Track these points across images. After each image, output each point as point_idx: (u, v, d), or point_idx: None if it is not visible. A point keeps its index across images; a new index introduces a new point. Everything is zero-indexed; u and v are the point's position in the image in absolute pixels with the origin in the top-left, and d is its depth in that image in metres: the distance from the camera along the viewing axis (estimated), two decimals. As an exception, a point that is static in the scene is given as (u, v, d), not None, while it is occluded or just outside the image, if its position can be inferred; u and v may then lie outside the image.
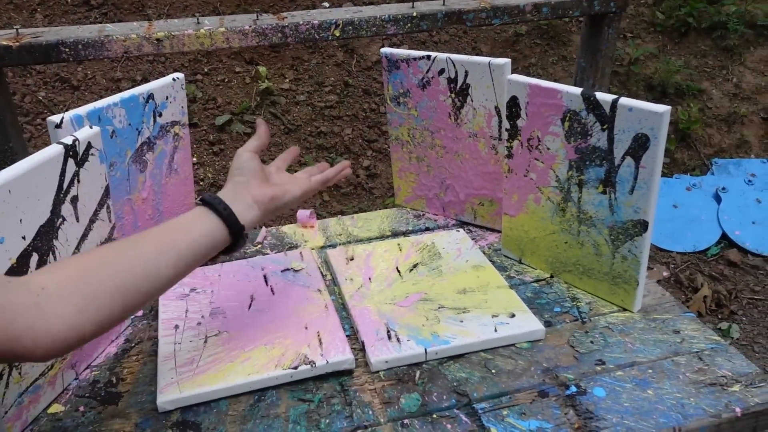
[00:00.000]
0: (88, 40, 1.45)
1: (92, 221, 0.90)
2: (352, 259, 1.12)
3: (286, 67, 3.40)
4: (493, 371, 0.89)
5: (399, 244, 1.16)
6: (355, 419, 0.82)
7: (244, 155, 0.88)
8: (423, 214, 1.31)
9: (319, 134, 3.18)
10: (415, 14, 1.59)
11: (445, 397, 0.86)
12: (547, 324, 0.99)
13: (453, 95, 1.16)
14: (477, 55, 3.70)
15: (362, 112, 3.29)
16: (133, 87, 3.39)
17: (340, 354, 0.89)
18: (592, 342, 0.95)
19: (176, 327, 0.97)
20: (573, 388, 0.86)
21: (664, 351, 0.92)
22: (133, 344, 0.98)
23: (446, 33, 3.62)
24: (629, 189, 0.93)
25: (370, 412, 0.83)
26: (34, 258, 0.80)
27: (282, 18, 1.55)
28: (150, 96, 1.05)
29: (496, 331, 0.94)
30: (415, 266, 1.10)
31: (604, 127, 0.93)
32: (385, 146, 3.13)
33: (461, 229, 1.22)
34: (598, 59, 1.83)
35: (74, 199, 0.85)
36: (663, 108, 0.86)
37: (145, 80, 3.24)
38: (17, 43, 1.45)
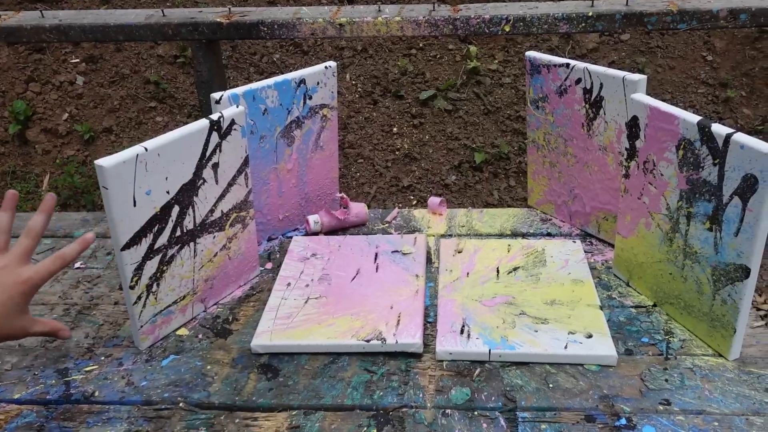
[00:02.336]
0: (283, 21, 1.65)
1: (230, 185, 1.07)
2: (460, 252, 1.18)
3: (498, 48, 3.42)
4: (551, 385, 0.91)
5: (509, 245, 1.19)
6: (405, 398, 0.91)
7: None
8: (550, 219, 1.32)
9: (518, 118, 3.18)
10: (590, 14, 1.57)
11: (493, 398, 0.90)
12: (628, 352, 0.97)
13: (587, 106, 1.15)
14: (708, 50, 3.38)
15: (566, 100, 3.21)
16: (353, 56, 3.64)
17: (410, 337, 0.98)
18: (666, 380, 0.91)
19: (288, 284, 1.12)
20: (623, 421, 0.85)
21: (743, 407, 0.86)
22: (255, 292, 1.16)
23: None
24: (735, 231, 0.87)
25: (421, 395, 0.91)
26: (176, 209, 0.99)
27: (456, 10, 1.62)
28: (302, 81, 1.19)
29: (566, 347, 0.95)
30: (515, 269, 1.13)
31: (716, 161, 0.87)
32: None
33: (578, 240, 1.21)
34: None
35: (215, 165, 1.03)
36: (776, 150, 0.79)
37: (365, 50, 3.48)
38: (227, 21, 1.71)
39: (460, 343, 0.97)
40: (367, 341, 0.98)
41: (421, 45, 3.51)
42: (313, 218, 1.29)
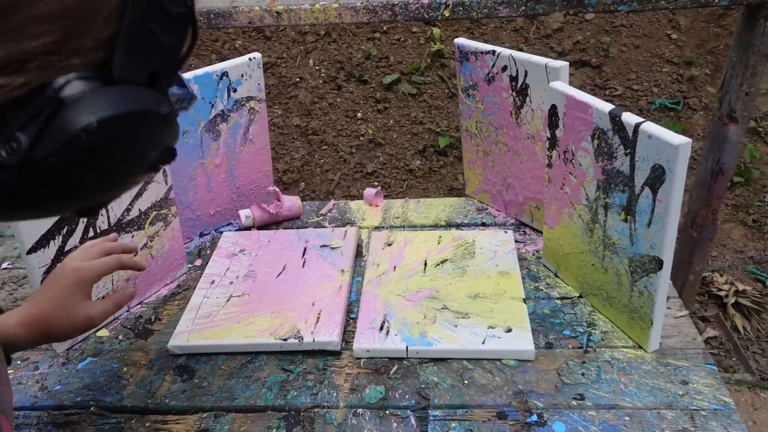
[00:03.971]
0: (219, 11, 1.60)
1: (146, 183, 1.05)
2: (390, 245, 1.17)
3: (462, 30, 3.38)
4: (466, 382, 0.90)
5: (440, 237, 1.18)
6: (319, 398, 0.89)
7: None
8: (486, 209, 1.30)
9: (482, 101, 3.15)
10: (530, -3, 1.54)
11: (407, 396, 0.89)
12: (548, 345, 0.96)
13: (514, 94, 1.12)
14: (673, 28, 3.37)
15: (530, 82, 3.19)
16: (316, 41, 3.58)
17: (327, 335, 0.96)
18: (583, 374, 0.90)
19: (212, 282, 1.10)
20: (534, 417, 0.84)
21: (656, 400, 0.85)
22: (181, 290, 1.14)
23: None
24: (647, 222, 0.86)
25: (334, 395, 0.90)
26: (86, 210, 0.96)
27: (395, -5, 1.57)
28: (224, 74, 1.16)
29: (483, 342, 0.94)
30: (443, 262, 1.11)
31: (627, 151, 0.86)
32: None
33: (510, 231, 1.19)
34: (749, 55, 1.63)
35: (127, 163, 1.00)
36: (680, 140, 0.78)
37: (328, 35, 3.44)
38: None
39: (378, 340, 0.95)
40: (285, 340, 0.96)
41: (384, 28, 3.47)
42: (244, 213, 1.26)
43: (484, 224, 1.25)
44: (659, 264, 0.86)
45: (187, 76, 1.12)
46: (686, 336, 0.96)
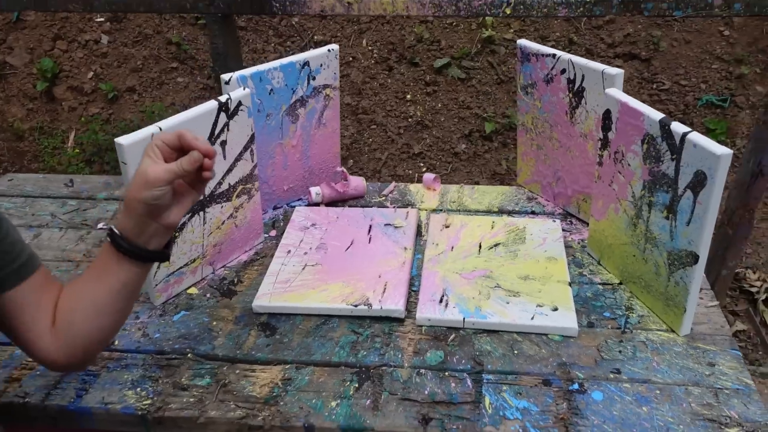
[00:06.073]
0: (294, -1, 1.71)
1: (237, 160, 1.18)
2: (447, 227, 1.29)
3: (513, 18, 3.44)
4: (515, 352, 1.02)
5: (493, 222, 1.29)
6: (386, 358, 1.02)
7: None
8: (535, 198, 1.41)
9: (529, 89, 3.22)
10: (588, -1, 1.62)
11: (464, 361, 1.01)
12: (590, 325, 1.07)
13: (570, 95, 1.22)
14: (726, 24, 3.38)
15: (578, 72, 3.24)
16: (369, 21, 3.67)
17: (393, 304, 1.09)
18: (620, 351, 1.02)
19: (288, 251, 1.24)
20: (575, 386, 0.96)
21: (684, 378, 0.97)
22: (259, 257, 1.27)
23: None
24: (687, 221, 0.96)
25: (400, 356, 1.03)
26: (187, 182, 1.10)
27: (460, -8, 1.68)
28: (306, 63, 1.28)
29: (532, 318, 1.05)
30: (496, 245, 1.23)
31: (673, 156, 0.96)
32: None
33: (558, 220, 1.30)
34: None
35: (223, 143, 1.14)
36: (723, 150, 0.88)
37: (381, 17, 3.53)
38: (240, -5, 1.77)
39: (438, 311, 1.08)
40: (355, 306, 1.09)
41: (431, 15, 3.54)
42: (315, 190, 1.39)
43: (533, 212, 1.36)
44: (695, 258, 0.96)
45: (273, 64, 1.24)
46: (715, 324, 1.07)
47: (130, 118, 3.32)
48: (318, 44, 3.41)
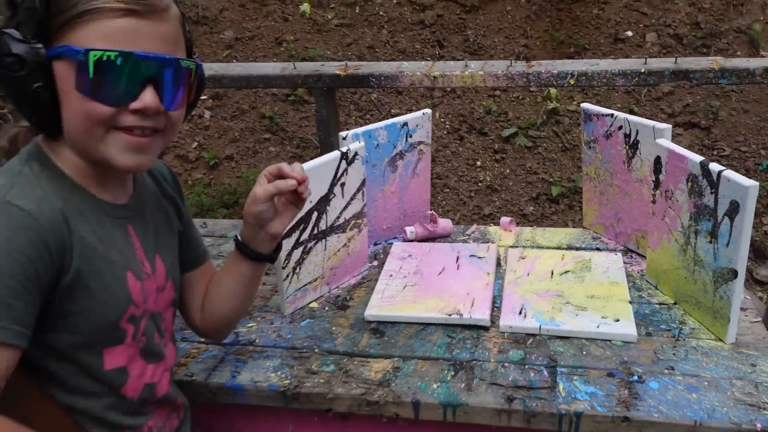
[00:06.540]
0: (389, 74, 2.06)
1: (352, 198, 1.47)
2: (523, 258, 1.52)
3: (576, 90, 3.73)
4: (584, 353, 1.24)
5: (563, 255, 1.52)
6: (475, 355, 1.25)
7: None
8: (599, 237, 1.63)
9: (592, 156, 3.45)
10: (643, 70, 1.90)
11: (541, 358, 1.23)
12: (647, 334, 1.27)
13: (627, 147, 1.47)
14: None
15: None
16: (442, 96, 4.02)
17: (480, 314, 1.32)
18: (674, 354, 1.22)
19: (390, 275, 1.50)
20: (635, 377, 1.16)
21: (729, 374, 1.15)
22: (365, 281, 1.54)
23: None
24: (726, 243, 1.17)
25: (486, 353, 1.25)
26: (315, 214, 1.39)
27: (530, 66, 1.98)
28: (405, 123, 1.58)
29: (598, 327, 1.27)
30: (566, 272, 1.46)
31: (712, 191, 1.18)
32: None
33: (620, 254, 1.52)
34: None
35: (342, 184, 1.43)
36: (750, 183, 1.10)
37: (453, 91, 3.87)
38: (345, 73, 2.14)
39: (518, 320, 1.31)
40: (449, 315, 1.33)
41: (504, 87, 3.86)
42: (409, 229, 1.66)
43: (597, 249, 1.59)
44: (735, 274, 1.17)
45: (379, 124, 1.54)
46: (758, 335, 1.25)
47: (229, 182, 3.72)
48: (394, 116, 3.77)
